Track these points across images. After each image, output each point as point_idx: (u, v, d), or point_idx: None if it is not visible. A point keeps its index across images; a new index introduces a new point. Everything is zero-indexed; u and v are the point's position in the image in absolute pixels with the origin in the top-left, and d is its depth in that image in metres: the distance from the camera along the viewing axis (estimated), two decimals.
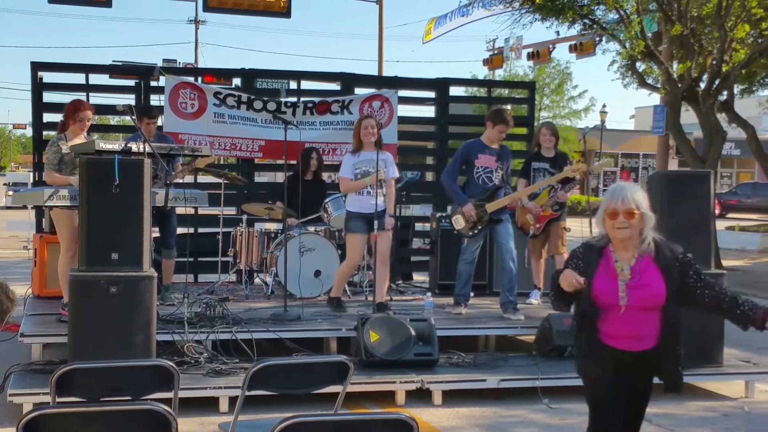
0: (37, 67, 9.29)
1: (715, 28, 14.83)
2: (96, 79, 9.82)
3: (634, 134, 44.45)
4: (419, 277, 10.43)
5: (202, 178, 9.19)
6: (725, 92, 16.31)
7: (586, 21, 16.71)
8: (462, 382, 6.33)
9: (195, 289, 8.53)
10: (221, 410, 5.76)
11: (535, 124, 10.85)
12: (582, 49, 22.30)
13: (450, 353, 6.79)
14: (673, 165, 24.11)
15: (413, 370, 6.32)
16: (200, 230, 9.74)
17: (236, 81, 11.10)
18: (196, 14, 44.73)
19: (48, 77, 9.58)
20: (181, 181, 7.81)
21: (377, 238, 7.27)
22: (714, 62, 15.09)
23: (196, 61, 44.47)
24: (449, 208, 8.04)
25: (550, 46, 24.61)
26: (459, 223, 7.63)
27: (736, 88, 17.58)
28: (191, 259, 9.20)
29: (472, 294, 7.94)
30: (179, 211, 8.04)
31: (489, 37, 46.51)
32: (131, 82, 9.92)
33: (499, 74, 33.57)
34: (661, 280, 3.62)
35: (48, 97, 9.53)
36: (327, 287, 8.02)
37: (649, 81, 17.45)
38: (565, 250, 7.87)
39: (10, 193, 29.40)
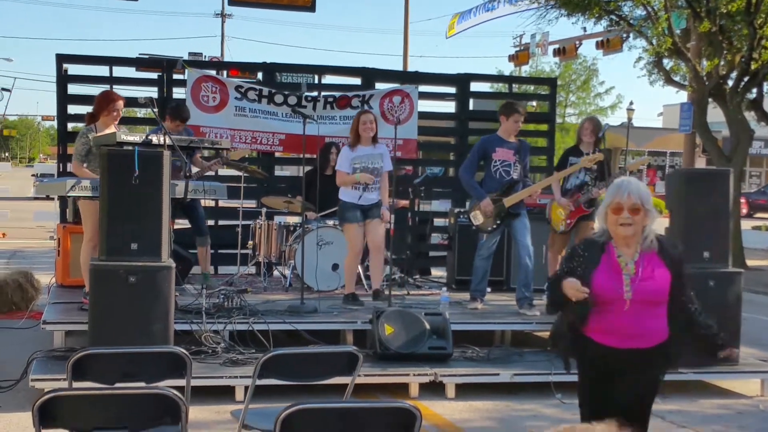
0: (62, 59, 9.43)
1: (745, 25, 14.70)
2: (120, 71, 9.96)
3: (661, 132, 44.06)
4: (437, 273, 10.47)
5: (223, 171, 9.28)
6: (754, 90, 16.15)
7: (613, 17, 16.64)
8: (475, 376, 6.36)
9: (214, 280, 8.62)
10: (237, 399, 5.85)
11: (561, 120, 10.81)
12: (609, 45, 22.20)
13: (464, 347, 6.83)
14: (700, 163, 23.89)
15: (427, 364, 6.37)
16: (220, 222, 9.85)
17: (260, 75, 11.17)
18: (223, 8, 44.98)
19: (73, 69, 9.72)
20: (212, 174, 7.96)
21: (371, 227, 7.49)
22: (743, 60, 14.96)
23: (222, 54, 44.68)
24: (467, 204, 8.04)
25: (577, 42, 24.51)
26: (477, 218, 7.65)
27: (766, 86, 17.42)
28: (212, 251, 9.29)
29: (489, 289, 7.95)
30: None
31: (515, 33, 46.34)
32: (154, 75, 10.03)
33: (525, 70, 33.47)
34: (667, 274, 3.57)
35: (72, 89, 9.68)
36: (344, 281, 8.07)
37: (677, 78, 17.32)
38: None
39: (37, 183, 29.75)
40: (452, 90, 10.67)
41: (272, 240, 8.64)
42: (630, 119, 36.57)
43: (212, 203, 9.17)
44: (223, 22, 46.09)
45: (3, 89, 49.09)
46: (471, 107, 10.91)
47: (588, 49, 39.16)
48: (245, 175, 8.61)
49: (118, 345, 4.95)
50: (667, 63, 16.99)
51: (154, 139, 6.73)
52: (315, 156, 9.13)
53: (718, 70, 15.26)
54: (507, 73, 32.21)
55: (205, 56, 36.62)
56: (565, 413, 5.94)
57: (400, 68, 27.67)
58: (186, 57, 29.77)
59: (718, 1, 14.49)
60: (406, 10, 31.42)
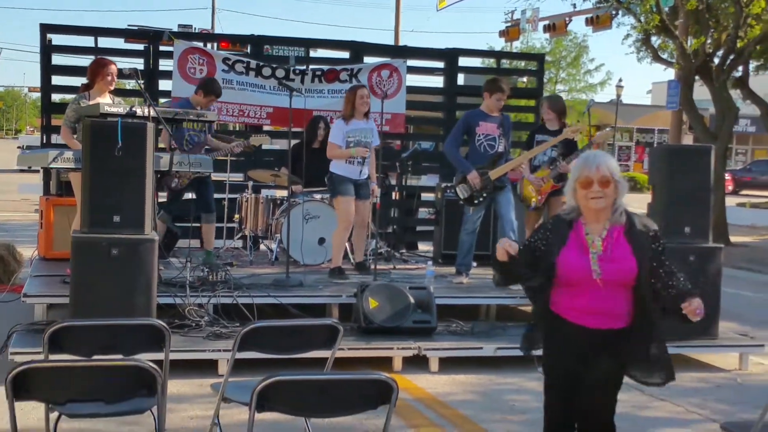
0: (46, 29, 9.32)
1: (731, 3, 14.67)
2: (105, 42, 9.86)
3: (650, 109, 44.17)
4: (425, 247, 10.47)
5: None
6: (740, 68, 16.16)
7: None
8: (458, 350, 6.39)
9: (200, 253, 8.60)
10: (220, 372, 5.84)
11: (546, 94, 10.82)
12: (598, 22, 21.99)
13: (449, 321, 6.85)
14: (687, 140, 23.96)
15: (411, 337, 6.39)
16: None
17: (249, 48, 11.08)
18: None
19: (57, 40, 9.61)
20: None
21: (362, 207, 7.61)
22: (729, 38, 14.95)
23: (212, 27, 44.28)
24: (454, 179, 8.05)
25: (567, 18, 24.30)
26: (463, 191, 7.67)
27: (752, 65, 17.41)
28: (197, 225, 9.25)
29: (474, 264, 7.97)
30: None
31: (506, 9, 46.12)
32: (141, 47, 9.93)
33: (517, 46, 33.18)
34: (632, 255, 3.41)
35: (57, 60, 9.58)
36: (330, 255, 8.07)
37: (664, 56, 17.29)
38: None
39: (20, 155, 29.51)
40: (441, 65, 10.62)
41: (259, 213, 8.63)
42: (619, 96, 36.62)
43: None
44: None
45: None
46: (462, 82, 10.87)
47: (578, 26, 39.10)
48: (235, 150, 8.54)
49: (99, 318, 4.92)
50: (655, 40, 16.96)
51: (138, 110, 6.68)
52: (302, 129, 9.09)
53: (705, 48, 15.24)
54: (498, 48, 32.05)
55: (195, 28, 36.29)
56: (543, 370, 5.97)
57: (392, 43, 27.54)
58: (176, 29, 29.51)
59: None
60: None
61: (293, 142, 8.75)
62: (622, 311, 3.46)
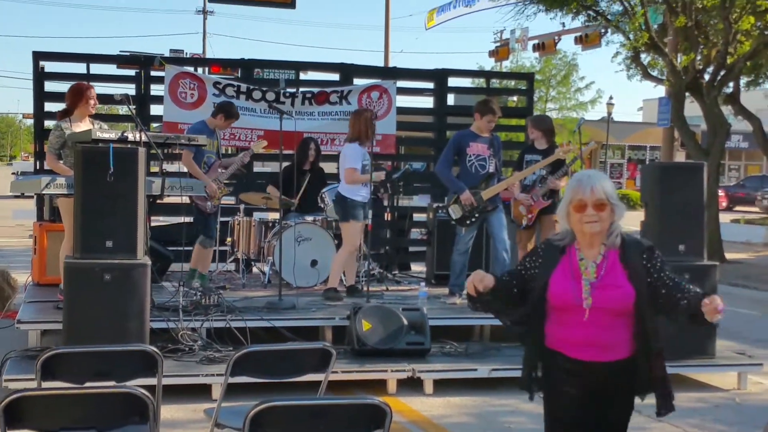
0: (38, 56, 9.35)
1: (720, 20, 14.80)
2: (97, 68, 9.87)
3: (641, 126, 44.38)
4: (417, 268, 10.47)
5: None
6: (731, 84, 16.28)
7: (591, 12, 16.71)
8: (453, 371, 6.37)
9: (188, 274, 8.57)
10: (214, 397, 5.81)
11: (536, 113, 10.88)
12: (587, 40, 22.22)
13: (443, 343, 6.83)
14: (680, 157, 24.01)
15: (405, 359, 6.37)
16: None
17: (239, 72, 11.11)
18: (204, 5, 44.79)
19: (50, 67, 9.64)
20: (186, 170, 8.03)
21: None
22: (719, 54, 15.06)
23: (204, 51, 44.55)
24: (446, 199, 8.08)
25: (556, 37, 24.53)
26: (456, 212, 7.69)
27: (742, 81, 17.54)
28: (190, 248, 9.24)
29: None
30: (177, 200, 8.09)
31: (496, 29, 46.39)
32: (132, 72, 9.95)
33: (506, 66, 33.46)
34: (628, 281, 3.18)
35: (50, 86, 9.60)
36: (323, 277, 8.07)
37: (654, 73, 17.42)
38: None
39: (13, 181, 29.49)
40: (430, 85, 10.67)
41: (251, 236, 8.62)
42: (610, 114, 36.77)
43: (189, 200, 9.10)
44: (204, 19, 46.02)
45: None
46: (452, 102, 10.91)
47: (567, 45, 39.22)
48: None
49: (93, 343, 4.91)
50: (645, 58, 17.09)
51: (130, 135, 6.69)
52: (293, 152, 9.10)
53: (695, 64, 15.35)
54: (488, 68, 32.21)
55: (187, 53, 36.51)
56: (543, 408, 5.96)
57: (382, 64, 27.67)
58: (167, 54, 29.63)
59: None
60: (387, 5, 31.44)
61: (284, 164, 8.79)
62: (620, 341, 3.21)
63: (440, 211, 8.94)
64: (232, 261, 8.97)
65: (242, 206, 8.78)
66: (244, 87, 9.56)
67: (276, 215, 8.96)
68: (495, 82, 25.47)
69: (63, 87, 11.33)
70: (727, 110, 16.63)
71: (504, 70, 31.72)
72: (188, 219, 8.03)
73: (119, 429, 3.00)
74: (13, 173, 36.53)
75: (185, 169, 8.01)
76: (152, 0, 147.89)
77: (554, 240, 3.38)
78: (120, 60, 11.47)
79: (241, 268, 8.72)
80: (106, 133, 6.63)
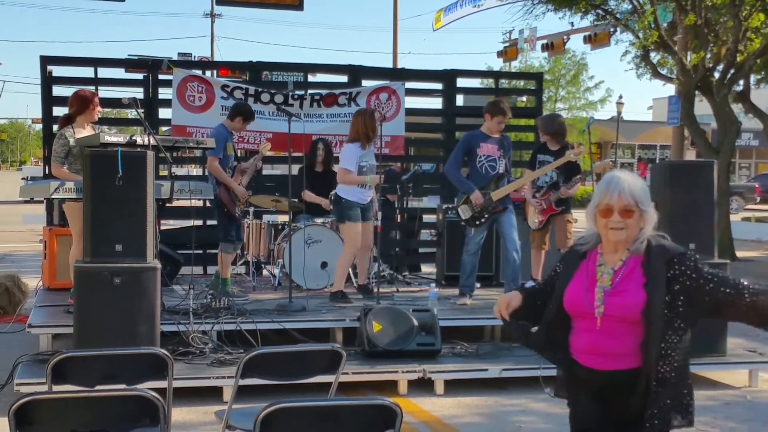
0: (46, 61, 9.40)
1: (730, 17, 14.73)
2: (104, 72, 9.93)
3: (651, 125, 44.26)
4: (428, 269, 10.46)
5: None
6: (741, 82, 16.20)
7: (599, 11, 16.67)
8: (464, 372, 6.36)
9: (204, 280, 8.61)
10: (225, 399, 5.81)
11: (545, 113, 10.85)
12: (596, 40, 22.20)
13: (453, 343, 6.82)
14: (690, 156, 23.93)
15: (415, 360, 6.36)
16: (209, 222, 9.81)
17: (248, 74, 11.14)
18: (212, 8, 44.84)
19: (58, 71, 9.68)
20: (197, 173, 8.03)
21: (366, 229, 7.59)
22: (729, 52, 14.99)
23: (212, 54, 44.62)
24: (456, 200, 8.07)
25: (565, 37, 24.52)
26: (465, 212, 7.68)
27: (753, 78, 17.46)
28: (200, 251, 9.26)
29: (478, 285, 7.97)
30: (187, 203, 8.11)
31: (504, 29, 46.37)
32: (140, 76, 9.99)
33: (515, 66, 33.46)
34: (642, 288, 2.98)
35: (58, 90, 9.64)
36: (333, 279, 8.05)
37: (664, 71, 17.36)
38: (572, 242, 7.84)
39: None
40: (439, 86, 10.67)
41: (261, 239, 8.63)
42: (619, 113, 36.63)
43: (200, 203, 9.13)
44: (212, 22, 46.04)
45: None
46: (460, 103, 10.90)
47: (576, 44, 39.14)
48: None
49: (103, 347, 4.92)
50: (654, 56, 17.04)
51: (138, 139, 6.70)
52: (302, 154, 9.11)
53: (705, 62, 15.28)
54: (497, 68, 32.19)
55: (195, 56, 36.58)
56: (554, 407, 5.93)
57: (390, 65, 27.67)
58: (176, 57, 29.68)
59: None
60: (395, 6, 31.42)
61: (297, 167, 8.81)
62: (629, 350, 3.02)
63: (450, 212, 8.93)
64: (242, 264, 8.98)
65: (252, 209, 8.78)
66: (252, 90, 9.56)
67: (285, 218, 8.98)
68: (504, 83, 25.45)
69: (71, 91, 11.45)
70: (737, 108, 16.55)
71: (513, 70, 31.73)
72: (198, 222, 8.04)
73: None
74: (22, 178, 36.69)
75: (194, 173, 8.04)
76: (160, 3, 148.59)
77: (578, 245, 3.23)
78: (128, 64, 11.53)
79: (251, 271, 8.73)
80: (114, 136, 6.65)
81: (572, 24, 19.89)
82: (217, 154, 7.58)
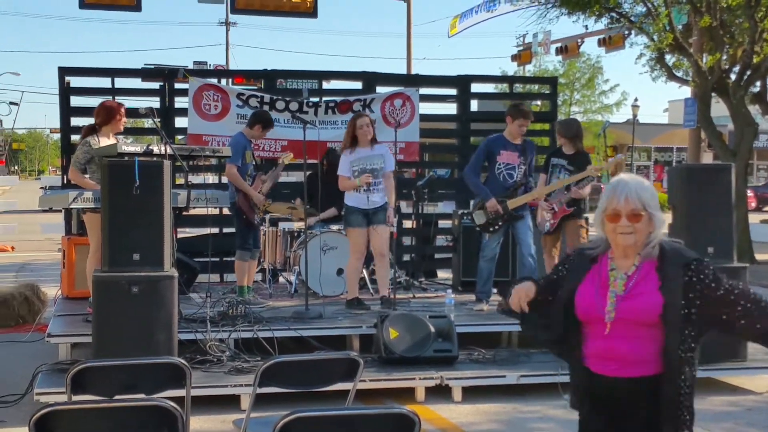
0: (64, 72, 9.47)
1: (746, 18, 14.65)
2: (121, 82, 10.00)
3: (667, 128, 44.04)
4: (444, 275, 10.45)
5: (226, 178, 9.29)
6: (758, 84, 16.10)
7: (614, 14, 16.62)
8: (481, 378, 6.34)
9: (220, 288, 8.65)
10: (242, 408, 5.83)
11: (560, 117, 10.81)
12: (611, 43, 22.12)
13: (470, 350, 6.80)
14: (707, 158, 23.84)
15: (433, 367, 6.35)
16: (225, 230, 9.86)
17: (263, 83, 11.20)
18: (227, 16, 45.01)
19: (75, 82, 9.76)
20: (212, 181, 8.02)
21: (374, 232, 7.49)
22: (745, 53, 14.91)
23: (227, 62, 44.84)
24: (471, 204, 8.06)
25: (579, 40, 24.47)
26: (480, 218, 7.67)
27: None
28: (216, 259, 9.30)
29: (494, 290, 7.94)
30: (203, 211, 8.15)
31: (518, 33, 46.29)
32: (156, 85, 10.05)
33: (529, 70, 33.40)
34: (658, 291, 2.91)
35: (76, 101, 9.72)
36: (347, 286, 8.05)
37: (679, 74, 17.28)
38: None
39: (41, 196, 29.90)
40: (453, 92, 10.66)
41: (277, 246, 8.65)
42: (635, 116, 36.50)
43: (216, 211, 9.17)
44: (227, 30, 46.22)
45: (11, 103, 49.33)
46: (476, 108, 10.88)
47: (590, 47, 39.03)
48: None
49: (121, 356, 4.94)
50: (669, 59, 16.95)
51: (155, 148, 6.75)
52: (317, 161, 9.13)
53: (720, 64, 15.20)
54: (511, 73, 32.16)
55: (210, 65, 36.82)
56: (572, 414, 5.90)
57: (404, 71, 27.71)
58: (191, 66, 29.89)
59: None
60: (409, 13, 31.47)
61: (308, 173, 8.82)
62: (646, 355, 2.94)
63: (465, 217, 8.92)
64: (258, 271, 9.00)
65: (268, 216, 8.81)
66: (267, 97, 9.60)
67: (301, 225, 9.00)
68: (518, 87, 25.46)
69: (89, 102, 11.52)
70: (754, 110, 16.45)
71: (527, 74, 31.68)
72: (214, 230, 8.07)
73: None
74: (41, 188, 36.99)
75: (209, 181, 8.08)
76: (175, 12, 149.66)
77: (586, 249, 3.16)
78: (144, 73, 11.61)
79: (267, 278, 8.75)
80: (131, 146, 6.70)
81: (586, 27, 19.83)
82: (236, 162, 7.62)
